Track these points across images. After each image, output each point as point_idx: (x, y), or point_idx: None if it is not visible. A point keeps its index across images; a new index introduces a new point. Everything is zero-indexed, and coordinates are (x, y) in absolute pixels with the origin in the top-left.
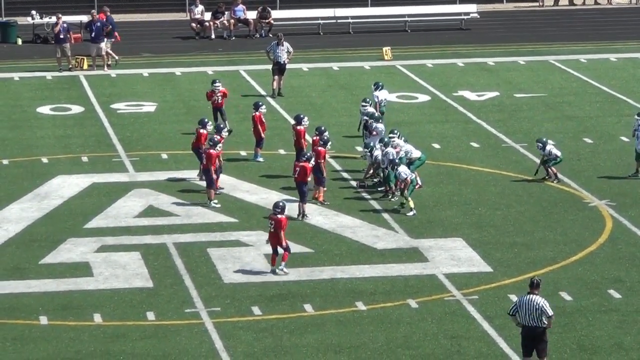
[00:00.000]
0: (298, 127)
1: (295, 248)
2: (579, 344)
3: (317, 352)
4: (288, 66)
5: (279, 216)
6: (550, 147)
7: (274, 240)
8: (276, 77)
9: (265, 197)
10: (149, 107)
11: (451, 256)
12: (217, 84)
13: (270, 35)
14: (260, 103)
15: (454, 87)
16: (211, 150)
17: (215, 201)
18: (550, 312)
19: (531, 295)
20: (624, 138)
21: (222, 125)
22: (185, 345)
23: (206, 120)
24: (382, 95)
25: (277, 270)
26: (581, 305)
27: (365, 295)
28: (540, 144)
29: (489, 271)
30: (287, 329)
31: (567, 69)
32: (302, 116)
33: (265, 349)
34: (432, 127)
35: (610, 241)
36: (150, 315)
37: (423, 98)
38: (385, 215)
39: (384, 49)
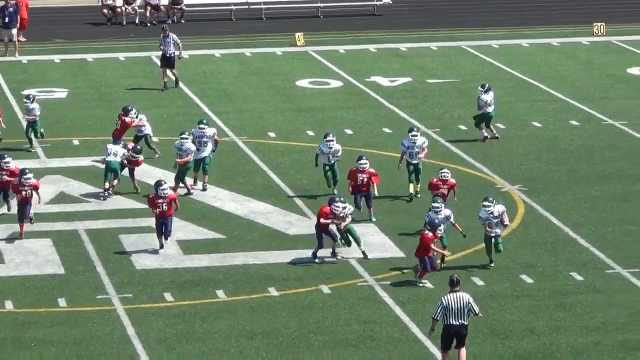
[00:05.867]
0: (124, 118)
1: (207, 234)
2: (491, 328)
3: (230, 338)
4: (200, 52)
5: (427, 232)
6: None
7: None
8: (165, 70)
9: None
10: (61, 93)
11: (364, 242)
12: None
13: (183, 21)
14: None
15: (367, 73)
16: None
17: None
18: (477, 309)
19: (457, 293)
20: (536, 123)
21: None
22: (97, 331)
23: (130, 107)
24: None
25: (418, 284)
26: (493, 290)
27: (277, 281)
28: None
29: (401, 257)
30: (199, 315)
31: (479, 54)
32: (129, 107)
33: (177, 335)
34: (345, 113)
35: (522, 226)
36: (62, 302)
37: (335, 84)
38: (298, 201)
39: (297, 34)
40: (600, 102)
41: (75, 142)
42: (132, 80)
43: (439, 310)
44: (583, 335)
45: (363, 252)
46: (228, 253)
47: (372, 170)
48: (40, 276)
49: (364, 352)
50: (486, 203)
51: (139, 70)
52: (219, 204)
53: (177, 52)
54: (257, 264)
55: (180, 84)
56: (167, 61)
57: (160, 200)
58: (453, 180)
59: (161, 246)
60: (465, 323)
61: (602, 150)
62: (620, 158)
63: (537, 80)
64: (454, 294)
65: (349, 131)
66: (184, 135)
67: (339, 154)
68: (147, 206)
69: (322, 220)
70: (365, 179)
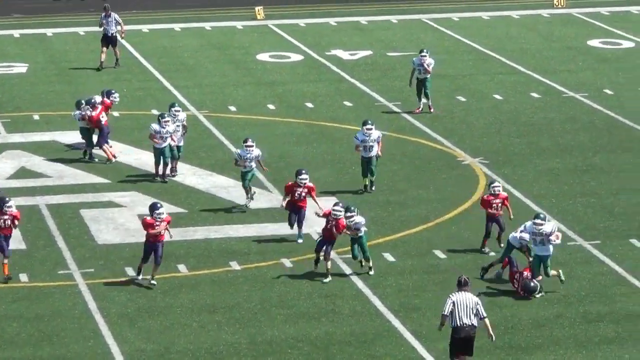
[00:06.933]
0: (105, 99)
1: (169, 209)
2: None
3: (192, 313)
4: (160, 26)
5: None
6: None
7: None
8: (104, 49)
9: (137, 157)
10: (20, 68)
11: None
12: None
13: None
14: None
15: (327, 46)
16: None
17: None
18: (484, 313)
19: (465, 293)
20: (496, 96)
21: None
22: (59, 306)
23: (113, 91)
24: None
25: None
26: (455, 263)
27: (239, 255)
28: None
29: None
30: (160, 290)
31: (439, 27)
32: (113, 91)
33: (139, 309)
34: (305, 87)
35: None
36: (24, 277)
37: (296, 57)
38: (260, 176)
39: (256, 8)
40: (561, 75)
41: (36, 117)
42: (93, 55)
43: (448, 305)
44: (545, 307)
45: (370, 268)
46: (189, 227)
47: (310, 184)
48: None
49: (326, 326)
50: (538, 221)
51: (99, 45)
52: (180, 178)
53: (119, 29)
54: (219, 238)
55: (141, 59)
56: (109, 40)
57: (157, 223)
58: (504, 194)
59: (152, 277)
60: (475, 324)
61: (563, 123)
62: (580, 130)
63: (498, 53)
64: (462, 293)
65: (309, 105)
66: (166, 119)
67: (260, 158)
68: (108, 180)
69: (335, 231)
70: (304, 194)
